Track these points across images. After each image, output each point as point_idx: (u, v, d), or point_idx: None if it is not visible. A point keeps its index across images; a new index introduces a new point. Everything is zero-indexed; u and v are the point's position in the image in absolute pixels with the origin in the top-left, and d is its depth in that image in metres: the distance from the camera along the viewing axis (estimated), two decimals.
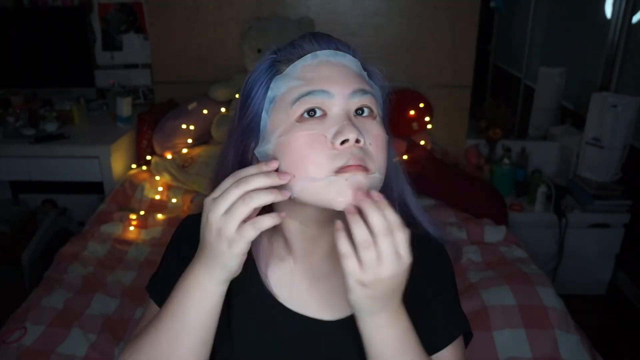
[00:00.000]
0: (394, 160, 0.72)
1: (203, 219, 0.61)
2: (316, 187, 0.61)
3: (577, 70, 2.99)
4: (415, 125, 2.55)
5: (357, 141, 0.61)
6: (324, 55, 0.66)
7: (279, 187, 0.61)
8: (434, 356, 0.72)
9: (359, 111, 0.65)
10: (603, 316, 2.46)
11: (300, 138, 0.62)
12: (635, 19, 2.54)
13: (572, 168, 2.62)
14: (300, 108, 0.63)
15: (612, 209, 2.43)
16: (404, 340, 0.64)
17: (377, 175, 0.63)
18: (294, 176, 0.61)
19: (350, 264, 0.58)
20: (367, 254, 0.57)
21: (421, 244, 0.76)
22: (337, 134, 0.61)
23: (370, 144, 0.63)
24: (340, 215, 0.60)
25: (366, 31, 2.62)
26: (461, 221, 2.10)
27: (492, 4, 3.40)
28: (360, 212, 0.59)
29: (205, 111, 2.47)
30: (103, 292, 1.64)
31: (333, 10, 2.61)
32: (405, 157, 2.42)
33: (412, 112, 2.54)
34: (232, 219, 0.58)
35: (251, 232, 0.59)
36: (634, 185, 2.45)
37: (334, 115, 0.63)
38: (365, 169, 0.61)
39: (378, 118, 0.66)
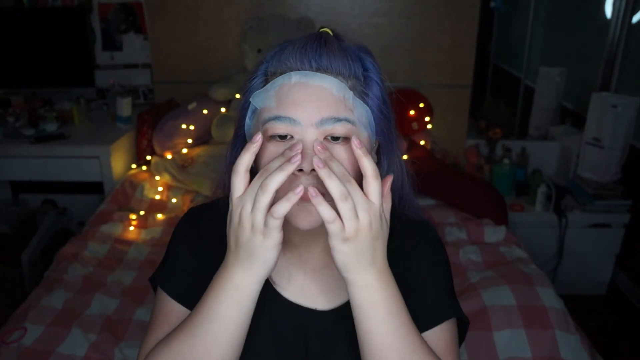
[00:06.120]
0: (399, 159, 0.78)
1: (234, 219, 0.62)
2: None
3: (577, 70, 2.99)
4: (415, 125, 2.55)
5: (314, 170, 0.61)
6: (300, 76, 0.64)
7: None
8: (422, 335, 0.71)
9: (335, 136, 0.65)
10: (603, 316, 2.46)
11: (269, 155, 0.64)
12: (635, 19, 2.54)
13: (572, 168, 2.62)
14: (268, 132, 0.65)
15: (612, 209, 2.43)
16: (392, 304, 0.64)
17: None
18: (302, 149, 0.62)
19: (335, 226, 0.59)
20: (345, 206, 0.59)
21: (417, 230, 0.81)
22: None
23: None
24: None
25: (366, 31, 2.62)
26: (461, 221, 2.10)
27: (492, 4, 3.39)
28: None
29: (205, 111, 2.47)
30: (103, 292, 1.64)
31: (333, 10, 2.61)
32: (405, 157, 2.42)
33: (412, 112, 2.54)
34: (258, 211, 0.59)
35: (274, 222, 0.60)
36: (634, 185, 2.45)
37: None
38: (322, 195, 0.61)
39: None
